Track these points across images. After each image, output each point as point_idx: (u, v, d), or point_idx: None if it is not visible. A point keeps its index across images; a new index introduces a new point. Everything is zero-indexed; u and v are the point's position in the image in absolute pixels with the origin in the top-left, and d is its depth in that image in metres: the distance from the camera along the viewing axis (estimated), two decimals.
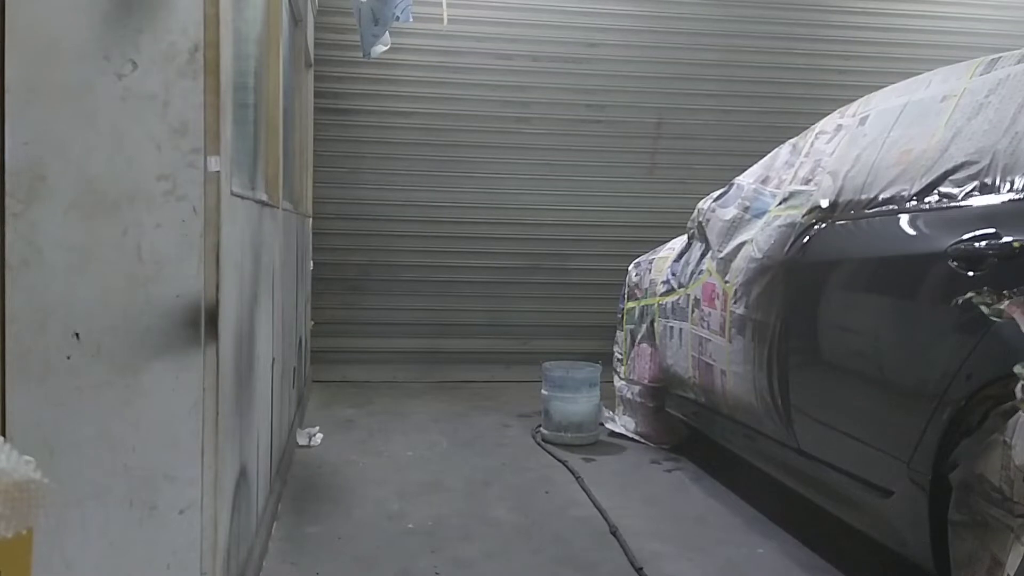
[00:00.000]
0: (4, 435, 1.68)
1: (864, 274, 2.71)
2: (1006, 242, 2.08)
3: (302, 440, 4.28)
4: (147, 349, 1.76)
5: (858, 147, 2.97)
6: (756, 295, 3.21)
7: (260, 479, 2.74)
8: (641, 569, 2.80)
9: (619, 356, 4.89)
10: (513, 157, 6.43)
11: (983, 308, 2.03)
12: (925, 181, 2.48)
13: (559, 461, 4.14)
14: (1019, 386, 1.86)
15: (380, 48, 5.13)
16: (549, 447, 4.41)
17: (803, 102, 6.41)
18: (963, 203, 2.31)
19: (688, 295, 3.93)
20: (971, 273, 2.14)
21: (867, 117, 3.07)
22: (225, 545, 2.00)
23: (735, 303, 3.37)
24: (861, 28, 6.74)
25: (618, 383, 4.80)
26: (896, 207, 2.57)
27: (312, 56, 5.62)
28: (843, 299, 2.78)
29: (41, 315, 1.71)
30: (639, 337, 4.58)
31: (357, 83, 6.25)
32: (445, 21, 5.43)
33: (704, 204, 3.99)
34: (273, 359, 3.12)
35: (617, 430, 4.68)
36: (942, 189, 2.40)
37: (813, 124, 3.54)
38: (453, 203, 6.37)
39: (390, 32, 5.11)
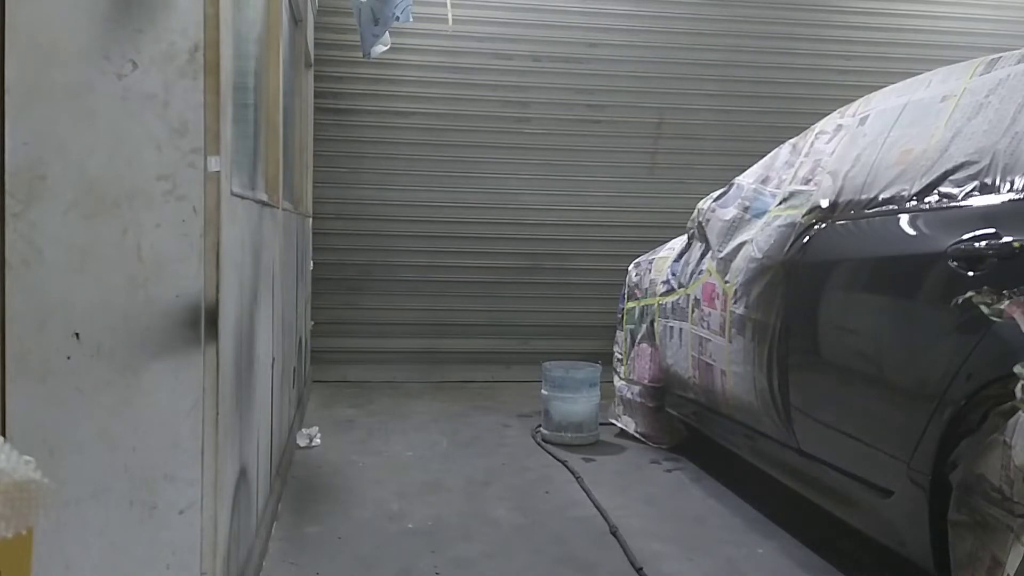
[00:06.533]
0: (4, 435, 1.68)
1: (864, 274, 2.71)
2: (1006, 242, 2.08)
3: (302, 442, 4.28)
4: (147, 349, 1.76)
5: (858, 147, 2.97)
6: (756, 295, 3.21)
7: (260, 479, 2.74)
8: (641, 569, 2.80)
9: (619, 356, 4.89)
10: (513, 157, 6.43)
11: (983, 308, 2.03)
12: (925, 181, 2.48)
13: (559, 461, 4.14)
14: (1019, 386, 1.86)
15: (380, 48, 5.13)
16: (549, 447, 4.41)
17: (803, 102, 6.41)
18: (963, 203, 2.30)
19: (688, 295, 3.93)
20: (971, 273, 2.14)
21: (867, 117, 3.07)
22: (225, 545, 2.00)
23: (735, 303, 3.37)
24: (861, 28, 6.74)
25: (618, 383, 4.80)
26: (896, 207, 2.57)
27: (312, 56, 5.62)
28: (843, 299, 2.78)
29: (41, 315, 1.71)
30: (639, 337, 4.58)
31: (357, 83, 6.26)
32: (451, 22, 5.43)
33: (704, 204, 3.99)
34: (273, 359, 3.12)
35: (624, 427, 4.68)
36: (942, 189, 2.40)
37: (813, 124, 3.54)
38: (453, 203, 6.37)
39: (390, 32, 5.12)
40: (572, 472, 3.94)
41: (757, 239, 3.32)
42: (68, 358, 1.73)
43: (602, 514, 3.36)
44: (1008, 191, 2.17)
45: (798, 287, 2.98)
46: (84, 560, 1.74)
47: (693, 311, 3.85)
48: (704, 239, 3.90)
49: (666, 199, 6.41)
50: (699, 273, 3.85)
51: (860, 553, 2.95)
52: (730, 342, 3.41)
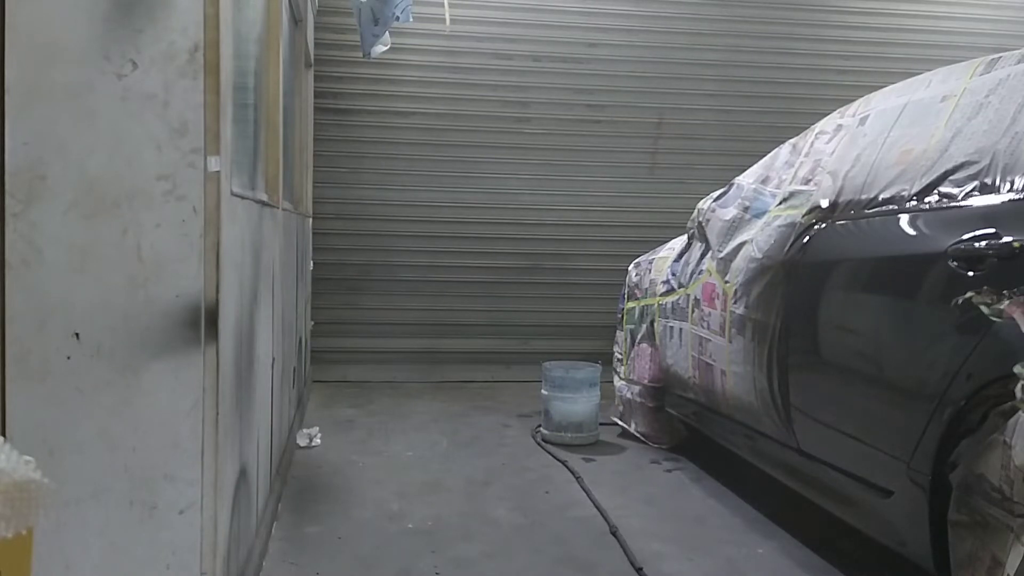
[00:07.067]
0: (4, 435, 1.68)
1: (864, 274, 2.71)
2: (1006, 242, 2.08)
3: (302, 442, 4.28)
4: (147, 349, 1.76)
5: (858, 147, 2.97)
6: (756, 295, 3.21)
7: (260, 479, 2.74)
8: (641, 569, 2.80)
9: (619, 356, 4.89)
10: (513, 157, 6.43)
11: (983, 308, 2.03)
12: (925, 181, 2.48)
13: (559, 461, 4.14)
14: (1019, 386, 1.85)
15: (380, 48, 5.13)
16: (549, 447, 4.41)
17: (803, 102, 6.42)
18: (963, 203, 2.30)
19: (688, 295, 3.93)
20: (971, 273, 2.14)
21: (867, 117, 3.07)
22: (225, 545, 2.00)
23: (735, 303, 3.37)
24: (861, 28, 6.74)
25: (618, 383, 4.80)
26: (896, 207, 2.57)
27: (312, 56, 5.62)
28: (843, 299, 2.78)
29: (41, 315, 1.71)
30: (639, 337, 4.58)
31: (357, 83, 6.26)
32: (448, 23, 5.43)
33: (704, 204, 3.99)
34: (273, 359, 3.12)
35: (624, 427, 4.69)
36: (942, 189, 2.40)
37: (813, 124, 3.54)
38: (453, 203, 6.37)
39: (390, 32, 5.12)
40: (572, 472, 3.94)
41: (757, 239, 3.32)
42: (68, 358, 1.73)
43: (602, 514, 3.36)
44: (1008, 191, 2.17)
45: (798, 287, 2.97)
46: (84, 560, 1.74)
47: (693, 311, 3.85)
48: (704, 239, 3.90)
49: (666, 199, 6.41)
50: (699, 273, 3.85)
51: (860, 553, 2.95)
52: (730, 342, 3.41)
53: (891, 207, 2.59)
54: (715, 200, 3.92)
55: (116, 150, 1.74)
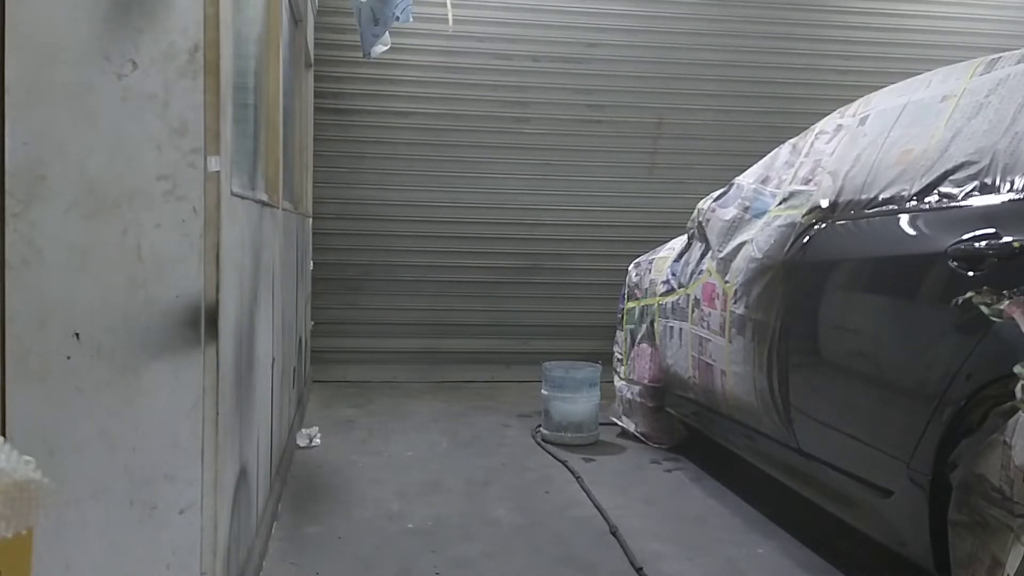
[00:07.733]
0: (4, 435, 1.68)
1: (864, 274, 2.71)
2: (1006, 242, 2.08)
3: (302, 442, 4.28)
4: (147, 349, 1.76)
5: (858, 147, 2.97)
6: (756, 295, 3.21)
7: (260, 479, 2.74)
8: (641, 569, 2.80)
9: (619, 356, 4.89)
10: (513, 157, 6.43)
11: (983, 308, 2.03)
12: (925, 181, 2.48)
13: (559, 461, 4.14)
14: (1019, 386, 1.85)
15: (380, 48, 5.13)
16: (549, 447, 4.41)
17: (803, 102, 6.42)
18: (963, 203, 2.30)
19: (688, 295, 3.93)
20: (971, 273, 2.14)
21: (867, 117, 3.07)
22: (225, 545, 2.00)
23: (735, 303, 3.37)
24: (861, 28, 6.74)
25: (618, 383, 4.80)
26: (896, 207, 2.57)
27: (312, 56, 5.62)
28: (843, 299, 2.78)
29: (41, 315, 1.71)
30: (639, 337, 4.58)
31: (357, 83, 6.26)
32: (451, 23, 5.43)
33: (704, 204, 3.99)
34: (273, 359, 3.12)
35: (625, 427, 4.69)
36: (942, 189, 2.40)
37: (813, 124, 3.54)
38: (453, 203, 6.37)
39: (390, 32, 5.12)
40: (572, 472, 3.94)
41: (757, 239, 3.32)
42: (68, 358, 1.72)
43: (602, 514, 3.36)
44: (1008, 191, 2.17)
45: (798, 287, 2.98)
46: (84, 560, 1.74)
47: (693, 311, 3.85)
48: (704, 239, 3.90)
49: (666, 199, 6.42)
50: (699, 273, 3.85)
51: (860, 553, 2.95)
52: (730, 342, 3.41)
53: (891, 207, 2.59)
54: (715, 200, 3.92)
55: (116, 150, 1.74)
